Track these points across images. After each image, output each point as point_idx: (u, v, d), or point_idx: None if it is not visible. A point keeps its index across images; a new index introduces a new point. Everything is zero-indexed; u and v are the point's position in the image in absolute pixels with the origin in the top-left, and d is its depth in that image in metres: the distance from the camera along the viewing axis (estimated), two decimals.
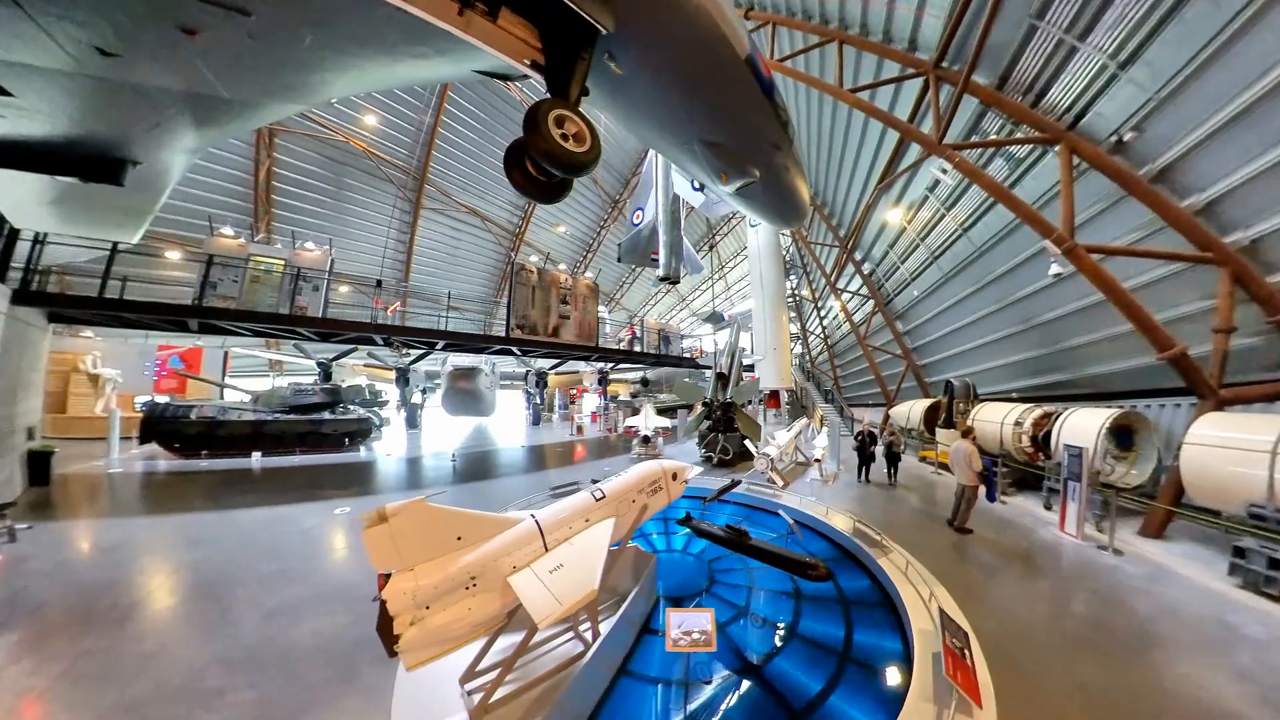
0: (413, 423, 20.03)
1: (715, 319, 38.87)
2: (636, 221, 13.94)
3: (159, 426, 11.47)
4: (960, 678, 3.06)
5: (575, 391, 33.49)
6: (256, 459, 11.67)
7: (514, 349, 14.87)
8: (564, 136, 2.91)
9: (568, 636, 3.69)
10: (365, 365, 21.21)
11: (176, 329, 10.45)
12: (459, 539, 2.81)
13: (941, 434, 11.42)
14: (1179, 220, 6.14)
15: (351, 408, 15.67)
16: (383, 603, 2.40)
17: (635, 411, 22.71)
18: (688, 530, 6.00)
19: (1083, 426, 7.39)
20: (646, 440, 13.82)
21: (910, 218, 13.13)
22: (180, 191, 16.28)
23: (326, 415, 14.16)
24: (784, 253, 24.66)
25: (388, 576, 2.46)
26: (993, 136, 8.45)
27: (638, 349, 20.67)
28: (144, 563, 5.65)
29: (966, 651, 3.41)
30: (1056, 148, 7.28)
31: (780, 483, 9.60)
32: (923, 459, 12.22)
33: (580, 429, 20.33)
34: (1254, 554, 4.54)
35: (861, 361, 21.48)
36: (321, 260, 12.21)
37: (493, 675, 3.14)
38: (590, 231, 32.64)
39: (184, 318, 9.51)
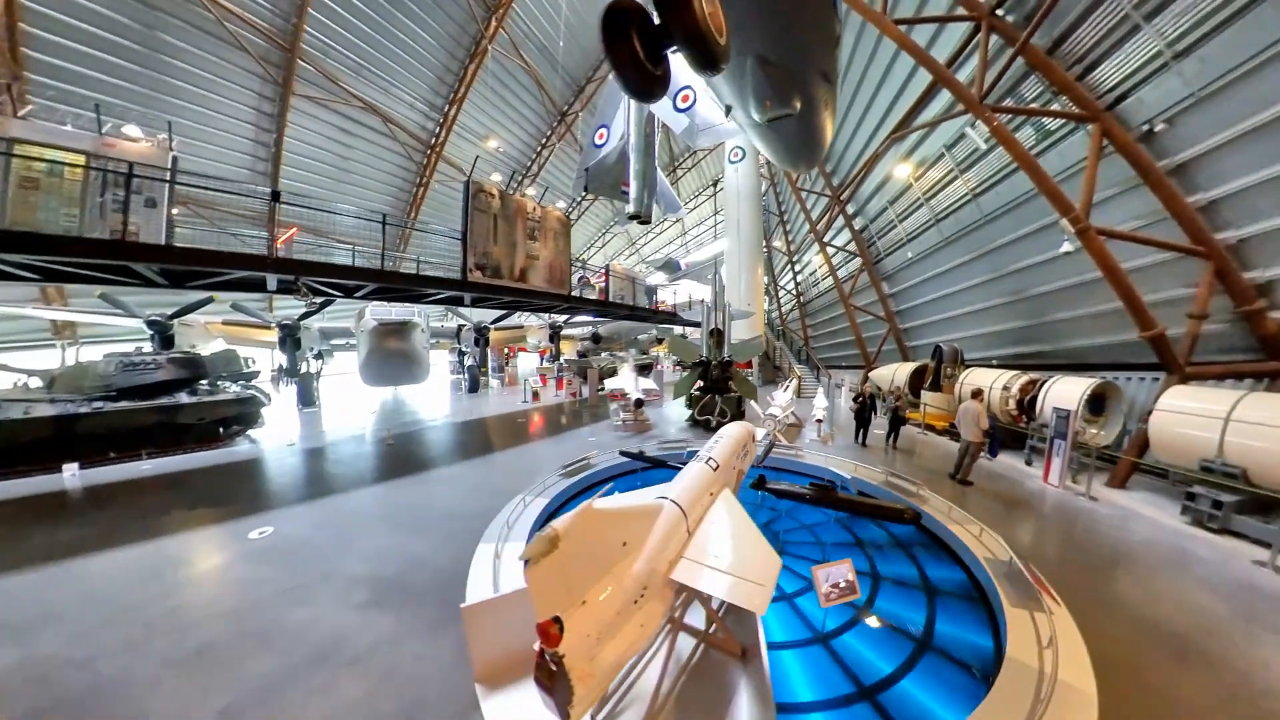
0: (307, 398, 17.31)
1: (670, 267, 39.42)
2: (599, 142, 13.26)
3: None
4: (1039, 585, 4.36)
5: (509, 350, 32.52)
6: (71, 474, 8.61)
7: (465, 296, 13.69)
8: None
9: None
10: (225, 323, 17.76)
11: None
12: (624, 544, 2.68)
13: (927, 396, 13.58)
14: (1182, 213, 7.78)
15: (223, 384, 13.10)
16: (556, 661, 2.05)
17: (605, 374, 22.95)
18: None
19: (1065, 393, 9.45)
20: (639, 404, 14.32)
21: (919, 175, 14.36)
22: None
23: (185, 397, 11.45)
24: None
25: (554, 620, 2.07)
26: (1032, 104, 9.49)
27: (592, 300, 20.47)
28: None
29: (1031, 567, 4.75)
30: (1090, 126, 8.52)
31: (785, 442, 10.89)
32: (908, 420, 14.48)
33: (536, 394, 19.76)
34: (1202, 498, 6.55)
35: (836, 322, 23.77)
36: (156, 155, 8.93)
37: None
38: (528, 149, 30.02)
39: None
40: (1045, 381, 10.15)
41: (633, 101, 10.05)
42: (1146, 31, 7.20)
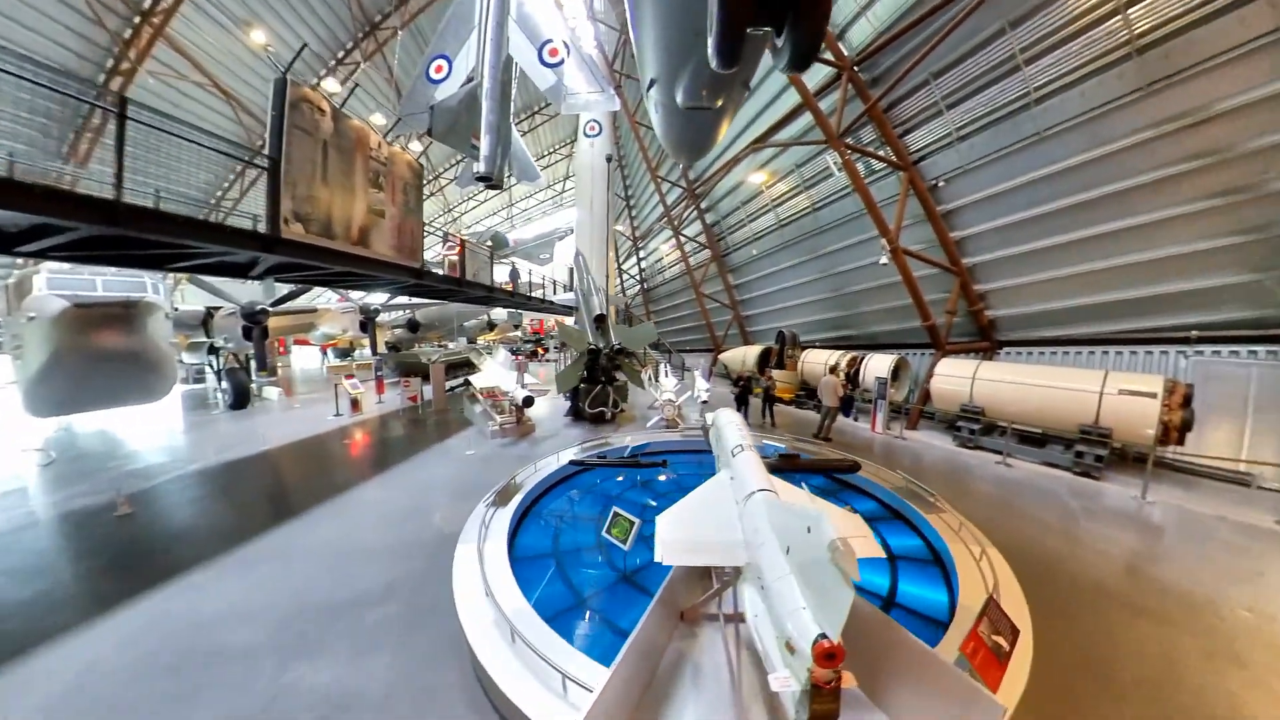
0: None
1: (498, 242, 37.86)
2: (436, 76, 12.20)
3: None
4: (939, 500, 6.95)
5: (279, 344, 26.28)
6: None
7: (262, 262, 8.91)
8: None
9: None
10: None
11: None
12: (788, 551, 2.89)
13: (775, 374, 17.53)
14: (947, 243, 12.56)
15: None
16: (837, 678, 2.11)
17: (454, 368, 20.50)
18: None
19: (878, 366, 13.96)
20: (529, 403, 12.90)
21: (770, 184, 18.11)
22: None
23: None
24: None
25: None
26: (868, 146, 13.43)
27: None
28: None
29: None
30: (901, 174, 12.77)
31: (680, 424, 12.65)
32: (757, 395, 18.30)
33: (356, 403, 15.44)
34: (963, 429, 11.04)
35: (682, 308, 27.36)
36: None
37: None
38: (316, 61, 24.07)
39: None
40: (864, 358, 14.70)
41: (489, 37, 9.10)
42: (945, 117, 11.38)
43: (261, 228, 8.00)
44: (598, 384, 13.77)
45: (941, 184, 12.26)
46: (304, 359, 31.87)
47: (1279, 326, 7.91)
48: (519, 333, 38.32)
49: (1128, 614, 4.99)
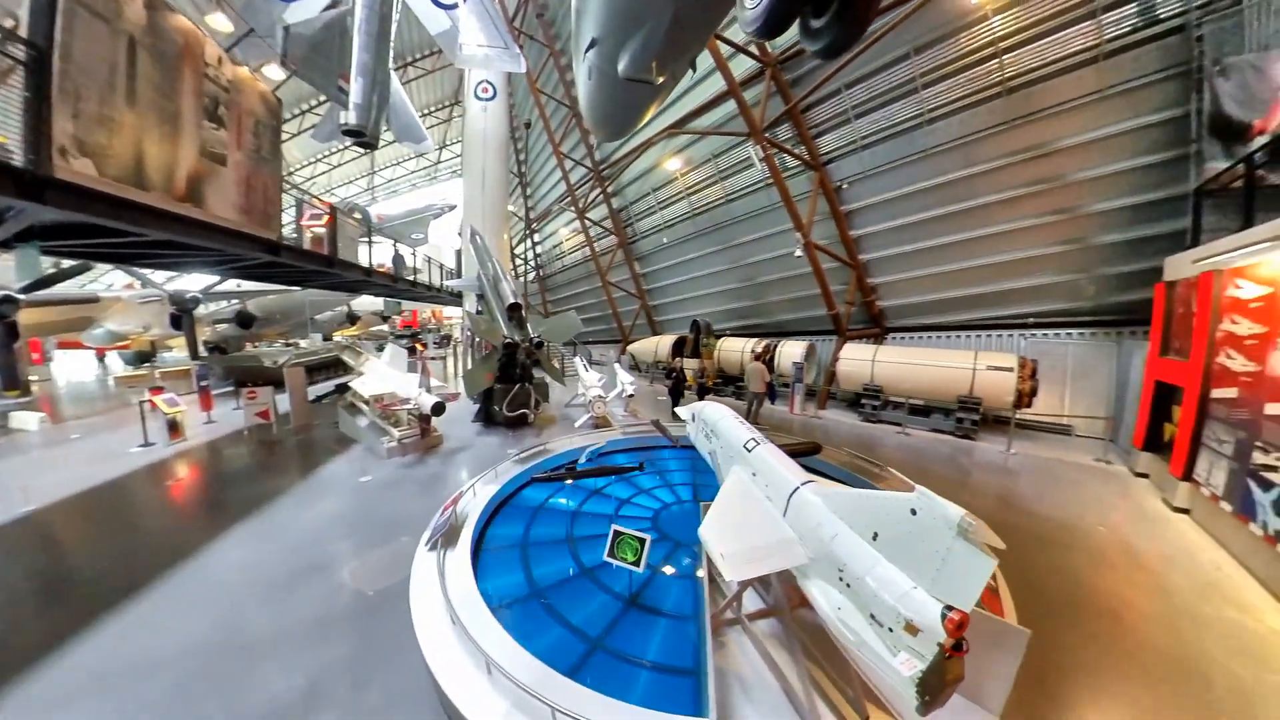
0: None
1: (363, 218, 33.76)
2: None
3: None
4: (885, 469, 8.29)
5: (31, 347, 20.59)
6: None
7: (5, 216, 5.88)
8: None
9: None
10: None
11: None
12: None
13: (689, 363, 18.55)
14: (847, 240, 14.60)
15: None
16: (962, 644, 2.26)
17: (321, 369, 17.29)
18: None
19: (790, 352, 15.71)
20: (440, 409, 10.43)
21: (685, 172, 18.94)
22: None
23: None
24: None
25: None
26: (785, 142, 14.88)
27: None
28: None
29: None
30: (813, 173, 14.46)
31: (612, 423, 12.70)
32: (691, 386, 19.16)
33: (176, 427, 11.36)
34: (866, 405, 13.08)
35: (584, 297, 27.14)
36: None
37: None
38: None
39: None
40: (776, 345, 16.38)
41: None
42: (853, 125, 13.17)
43: (15, 160, 5.16)
44: (515, 383, 12.61)
45: (845, 186, 14.19)
46: (72, 369, 24.68)
47: (1089, 314, 11.05)
48: (387, 327, 34.32)
49: (1034, 543, 6.52)
